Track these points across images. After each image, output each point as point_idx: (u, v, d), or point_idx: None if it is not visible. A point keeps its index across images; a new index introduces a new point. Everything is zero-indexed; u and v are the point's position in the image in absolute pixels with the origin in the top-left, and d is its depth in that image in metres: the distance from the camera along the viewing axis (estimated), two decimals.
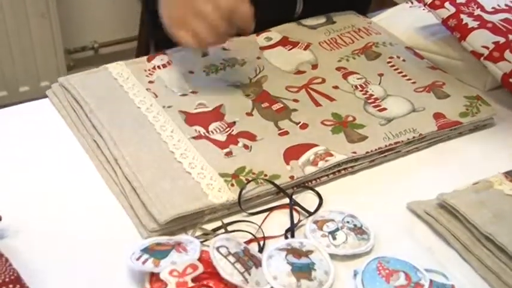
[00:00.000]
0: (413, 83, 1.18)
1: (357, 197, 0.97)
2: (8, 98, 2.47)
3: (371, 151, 1.02)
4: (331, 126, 1.06)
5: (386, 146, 1.03)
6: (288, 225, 0.90)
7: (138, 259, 0.79)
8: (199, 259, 0.80)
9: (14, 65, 2.44)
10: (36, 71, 2.49)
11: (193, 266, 0.79)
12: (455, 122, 1.09)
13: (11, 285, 0.73)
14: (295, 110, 1.10)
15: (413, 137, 1.05)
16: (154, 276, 0.79)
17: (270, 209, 0.93)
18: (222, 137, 1.02)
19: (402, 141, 1.04)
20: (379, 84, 1.17)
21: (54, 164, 0.99)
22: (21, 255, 0.81)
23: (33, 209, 0.90)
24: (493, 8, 1.26)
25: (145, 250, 0.81)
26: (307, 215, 0.93)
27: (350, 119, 1.08)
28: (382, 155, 1.03)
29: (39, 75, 2.48)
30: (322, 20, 1.36)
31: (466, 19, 1.21)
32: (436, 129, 1.07)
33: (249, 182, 0.93)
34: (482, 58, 1.16)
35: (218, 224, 0.90)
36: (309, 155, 0.99)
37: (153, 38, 1.57)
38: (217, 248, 0.80)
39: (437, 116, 1.09)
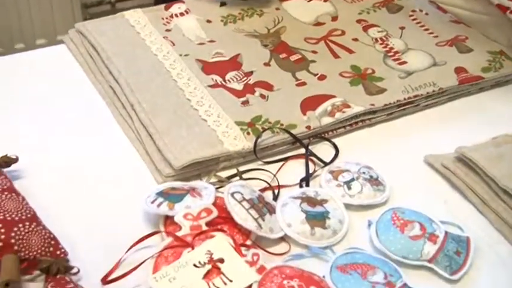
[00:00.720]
0: (436, 36, 1.16)
1: (374, 149, 0.96)
2: (24, 50, 2.47)
3: (389, 104, 1.00)
4: (350, 78, 1.05)
5: (405, 99, 1.01)
6: (303, 175, 0.90)
7: (153, 202, 0.80)
8: (214, 204, 0.80)
9: (31, 18, 2.43)
10: (53, 24, 2.48)
11: (208, 210, 0.79)
12: (477, 77, 1.06)
13: (27, 223, 0.74)
14: (313, 61, 1.08)
15: (433, 91, 1.03)
16: (168, 220, 0.79)
17: (286, 159, 0.93)
18: (238, 86, 1.01)
19: (421, 94, 1.02)
20: (400, 37, 1.15)
21: (71, 109, 0.99)
22: (37, 195, 0.82)
23: (49, 151, 0.91)
24: None
25: (160, 194, 0.81)
26: (322, 165, 0.92)
27: (369, 71, 1.06)
28: (401, 108, 1.02)
29: (55, 29, 2.48)
30: None
31: None
32: (457, 84, 1.05)
33: (264, 130, 0.92)
34: (508, 12, 1.13)
35: (233, 172, 0.89)
36: (326, 105, 0.98)
37: None
38: (232, 194, 0.80)
39: (459, 70, 1.07)
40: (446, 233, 0.80)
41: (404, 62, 1.09)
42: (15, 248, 0.71)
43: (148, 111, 0.93)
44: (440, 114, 1.04)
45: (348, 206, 0.85)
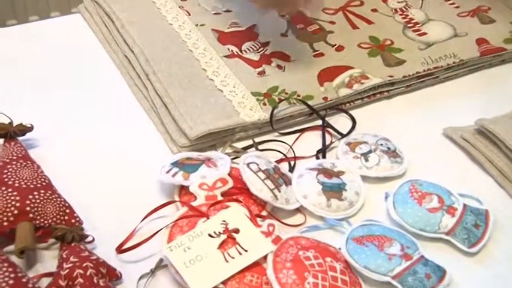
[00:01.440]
0: (457, 7, 1.13)
1: (392, 121, 0.95)
2: None
3: (408, 75, 0.98)
4: (368, 49, 1.03)
5: (424, 70, 0.99)
6: (320, 146, 0.89)
7: (168, 172, 0.79)
8: (229, 175, 0.79)
9: None
10: None
11: (223, 181, 0.78)
12: (499, 48, 1.04)
13: (42, 191, 0.74)
14: (331, 32, 1.06)
15: (454, 63, 1.01)
16: (183, 190, 0.79)
17: (302, 130, 0.92)
18: (255, 57, 0.99)
19: (441, 66, 1.00)
20: (420, 8, 1.13)
21: (86, 79, 0.98)
22: (52, 164, 0.81)
23: (64, 120, 0.90)
24: None
25: (175, 164, 0.80)
26: (339, 137, 0.91)
27: (388, 42, 1.04)
28: (420, 80, 1.00)
29: (70, 2, 2.47)
30: None
31: None
32: (479, 55, 1.02)
33: (281, 101, 0.91)
34: None
35: (249, 142, 0.88)
36: (344, 77, 0.97)
37: None
38: (248, 164, 0.79)
39: (481, 41, 1.05)
40: (464, 205, 0.79)
41: (424, 33, 1.06)
42: (31, 215, 0.71)
43: (164, 81, 0.92)
44: (460, 87, 1.02)
45: (365, 178, 0.84)
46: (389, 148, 0.87)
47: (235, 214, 0.73)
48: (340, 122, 0.93)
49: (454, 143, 0.91)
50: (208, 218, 0.73)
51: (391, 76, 0.97)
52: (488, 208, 0.80)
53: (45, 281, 0.68)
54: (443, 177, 0.84)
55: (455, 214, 0.77)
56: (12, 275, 0.62)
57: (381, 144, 0.87)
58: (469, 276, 0.73)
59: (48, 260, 0.71)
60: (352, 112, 0.95)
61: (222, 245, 0.70)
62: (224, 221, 0.72)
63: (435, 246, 0.76)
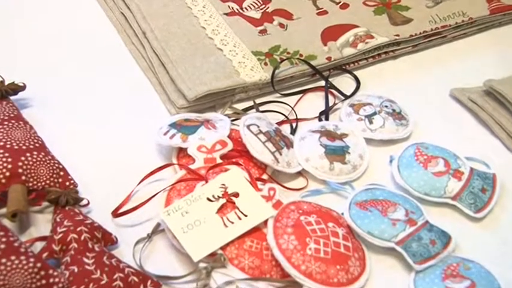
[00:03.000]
0: None
1: (398, 82, 0.92)
2: None
3: (415, 34, 0.95)
4: (374, 7, 0.99)
5: (432, 29, 0.96)
6: (322, 108, 0.86)
7: (165, 134, 0.77)
8: (229, 137, 0.77)
9: None
10: None
11: (223, 143, 0.75)
12: (510, 6, 1.00)
13: (35, 152, 0.71)
14: None
15: (463, 21, 0.97)
16: (181, 152, 0.76)
17: (304, 91, 0.89)
18: (256, 14, 0.96)
19: (450, 25, 0.96)
20: None
21: (81, 37, 0.94)
22: (46, 124, 0.79)
23: (58, 79, 0.87)
24: None
25: (173, 125, 0.78)
26: (343, 98, 0.88)
27: (394, 0, 1.00)
28: (427, 40, 0.96)
29: None
30: None
31: None
32: (488, 13, 0.98)
33: (283, 61, 0.88)
34: None
35: (249, 104, 0.85)
36: (349, 36, 0.93)
37: None
38: (248, 126, 0.77)
39: None
40: (471, 169, 0.76)
41: None
42: (23, 178, 0.69)
43: (161, 40, 0.88)
44: (469, 46, 0.98)
45: (369, 141, 0.81)
46: (394, 110, 0.84)
47: (235, 177, 0.71)
48: (344, 83, 0.90)
49: (461, 104, 0.88)
50: (206, 182, 0.71)
51: (397, 35, 0.94)
52: (495, 172, 0.77)
53: (39, 245, 0.66)
54: (450, 140, 0.81)
55: (462, 178, 0.75)
56: (3, 239, 0.60)
57: (386, 106, 0.84)
58: (474, 243, 0.71)
59: (42, 223, 0.69)
60: (356, 73, 0.92)
61: (220, 210, 0.68)
62: (223, 184, 0.70)
63: (440, 211, 0.74)
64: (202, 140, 0.75)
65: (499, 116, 0.83)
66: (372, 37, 0.93)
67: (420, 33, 0.95)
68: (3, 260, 0.59)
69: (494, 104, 0.84)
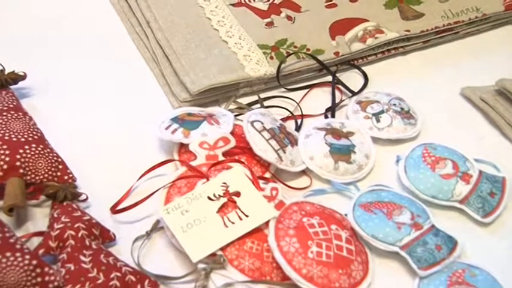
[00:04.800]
0: None
1: (407, 79, 0.89)
2: None
3: (426, 30, 0.92)
4: (385, 0, 0.96)
5: (444, 25, 0.93)
6: (329, 104, 0.84)
7: (167, 128, 0.75)
8: (232, 133, 0.75)
9: None
10: None
11: (225, 139, 0.74)
12: None
13: (34, 145, 0.70)
14: None
15: (476, 17, 0.95)
16: (183, 147, 0.74)
17: (311, 86, 0.87)
18: (263, 6, 0.93)
19: (463, 21, 0.94)
20: None
21: (84, 25, 0.92)
22: (46, 115, 0.77)
23: (60, 69, 0.85)
24: None
25: (176, 119, 0.76)
26: (350, 94, 0.86)
27: None
28: (439, 36, 0.94)
29: None
30: None
31: None
32: (503, 10, 0.96)
33: (289, 55, 0.85)
34: None
35: (254, 98, 0.83)
36: (358, 30, 0.91)
37: None
38: (252, 122, 0.75)
39: None
40: (480, 172, 0.74)
41: None
42: (21, 171, 0.67)
43: (165, 30, 0.86)
44: (482, 43, 0.96)
45: (375, 140, 0.79)
46: (402, 108, 0.82)
47: (237, 176, 0.69)
48: (351, 78, 0.88)
49: (472, 104, 0.86)
50: (208, 180, 0.69)
51: (407, 30, 0.91)
52: (505, 175, 0.75)
53: (36, 240, 0.65)
54: (459, 141, 0.79)
55: (470, 181, 0.73)
56: None
57: (394, 104, 0.82)
58: (482, 248, 0.69)
59: (40, 218, 0.68)
60: (364, 68, 0.89)
61: (221, 209, 0.66)
62: (225, 183, 0.68)
63: (447, 215, 0.72)
64: (205, 136, 0.73)
65: (510, 117, 0.81)
66: (382, 32, 0.90)
67: (432, 29, 0.93)
68: None
69: (506, 104, 0.82)
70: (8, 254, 0.58)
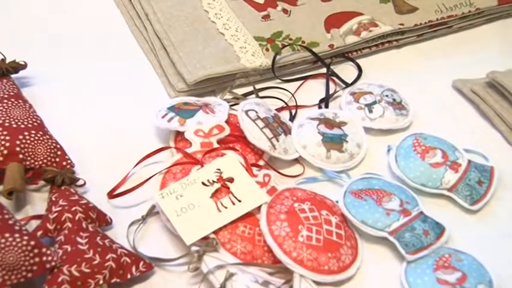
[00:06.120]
0: None
1: (400, 72, 0.91)
2: None
3: (420, 24, 0.94)
4: None
5: (437, 19, 0.95)
6: (323, 95, 0.85)
7: (163, 117, 0.77)
8: (227, 122, 0.77)
9: None
10: None
11: (220, 128, 0.75)
12: None
13: (33, 131, 0.72)
14: None
15: (469, 12, 0.96)
16: (179, 135, 0.76)
17: (305, 78, 0.88)
18: None
19: (456, 15, 0.95)
20: None
21: (83, 17, 0.94)
22: (45, 104, 0.79)
23: (59, 58, 0.87)
24: None
25: (172, 108, 0.78)
26: (344, 86, 0.87)
27: None
28: (432, 30, 0.96)
29: None
30: None
31: None
32: (497, 4, 0.97)
33: (284, 47, 0.87)
34: None
35: (249, 89, 0.85)
36: (352, 23, 0.92)
37: None
38: (246, 111, 0.77)
39: None
40: (469, 161, 0.76)
41: None
42: (20, 156, 0.69)
43: (164, 23, 0.88)
44: (475, 37, 0.98)
45: (367, 130, 0.81)
46: (394, 99, 0.84)
47: (231, 163, 0.71)
48: (345, 71, 0.90)
49: (463, 96, 0.87)
50: (202, 166, 0.71)
51: (401, 24, 0.93)
52: (493, 165, 0.77)
53: (34, 223, 0.66)
54: (450, 131, 0.81)
55: (459, 170, 0.74)
56: None
57: (387, 95, 0.84)
58: (469, 235, 0.71)
59: (39, 202, 0.70)
60: (359, 61, 0.91)
61: (215, 194, 0.68)
62: (218, 169, 0.70)
63: (436, 203, 0.74)
64: (200, 124, 0.75)
65: (500, 109, 0.82)
66: (376, 25, 0.92)
67: (425, 22, 0.94)
68: None
69: (496, 96, 0.83)
70: (7, 235, 0.60)
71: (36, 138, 0.71)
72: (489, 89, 0.84)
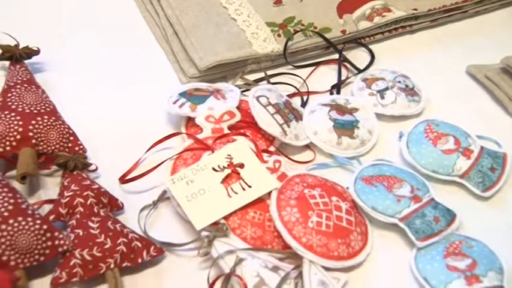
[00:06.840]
0: None
1: (413, 58, 0.90)
2: None
3: (434, 9, 0.93)
4: None
5: (452, 4, 0.94)
6: (335, 81, 0.85)
7: (175, 103, 0.77)
8: (238, 108, 0.77)
9: None
10: None
11: (231, 114, 0.75)
12: None
13: (46, 117, 0.72)
14: None
15: None
16: (190, 121, 0.76)
17: (317, 64, 0.88)
18: None
19: None
20: None
21: (96, 3, 0.95)
22: (58, 90, 0.80)
23: (72, 44, 0.88)
24: None
25: (183, 94, 0.78)
26: (356, 72, 0.87)
27: None
28: (446, 15, 0.95)
29: None
30: None
31: None
32: None
33: (296, 32, 0.87)
34: None
35: (261, 75, 0.85)
36: (365, 9, 0.92)
37: None
38: (257, 97, 0.77)
39: None
40: (481, 148, 0.75)
41: None
42: (33, 141, 0.70)
43: (175, 8, 0.88)
44: (489, 22, 0.96)
45: (379, 116, 0.81)
46: (407, 85, 0.83)
47: (241, 148, 0.71)
48: (358, 56, 0.89)
49: (477, 82, 0.87)
50: (213, 152, 0.71)
51: (415, 9, 0.92)
52: (507, 151, 0.76)
53: (47, 207, 0.67)
54: (463, 117, 0.80)
55: (471, 156, 0.74)
56: (11, 201, 0.62)
57: (399, 81, 0.83)
58: (480, 222, 0.71)
59: (51, 186, 0.71)
60: (371, 47, 0.90)
61: (225, 180, 0.68)
62: (229, 155, 0.70)
63: (447, 189, 0.73)
64: (211, 110, 0.75)
65: None
66: (390, 11, 0.91)
67: (439, 7, 0.93)
68: (11, 221, 0.60)
69: (510, 82, 0.82)
70: (20, 218, 0.61)
71: (49, 123, 0.72)
72: (503, 74, 0.83)
